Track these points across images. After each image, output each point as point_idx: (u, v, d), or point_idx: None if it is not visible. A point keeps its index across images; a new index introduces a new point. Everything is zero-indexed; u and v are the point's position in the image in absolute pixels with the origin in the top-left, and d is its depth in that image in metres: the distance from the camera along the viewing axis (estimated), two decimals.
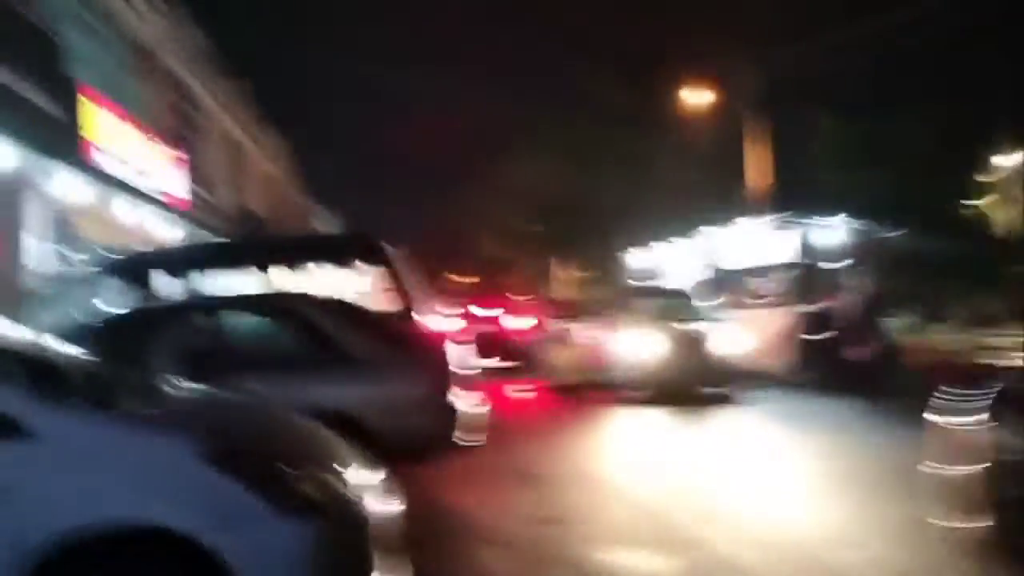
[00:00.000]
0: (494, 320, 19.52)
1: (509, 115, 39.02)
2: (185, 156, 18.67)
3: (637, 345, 13.19)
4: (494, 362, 18.29)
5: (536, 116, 36.91)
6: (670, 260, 20.77)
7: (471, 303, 21.75)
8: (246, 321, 6.80)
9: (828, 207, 16.10)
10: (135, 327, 6.58)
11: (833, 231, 15.24)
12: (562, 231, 39.43)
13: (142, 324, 6.64)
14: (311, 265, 8.87)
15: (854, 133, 23.04)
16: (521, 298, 21.69)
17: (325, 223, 53.72)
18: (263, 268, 8.53)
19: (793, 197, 19.20)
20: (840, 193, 20.88)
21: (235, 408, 4.38)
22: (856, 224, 15.24)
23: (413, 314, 8.44)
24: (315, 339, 6.23)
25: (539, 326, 19.10)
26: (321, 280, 8.99)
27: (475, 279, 61.87)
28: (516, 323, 19.14)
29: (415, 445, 6.25)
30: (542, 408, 13.97)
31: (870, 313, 13.26)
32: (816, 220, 15.20)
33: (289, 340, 6.36)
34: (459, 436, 6.41)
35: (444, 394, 6.26)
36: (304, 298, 7.21)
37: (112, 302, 8.01)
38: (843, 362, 13.40)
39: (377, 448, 5.90)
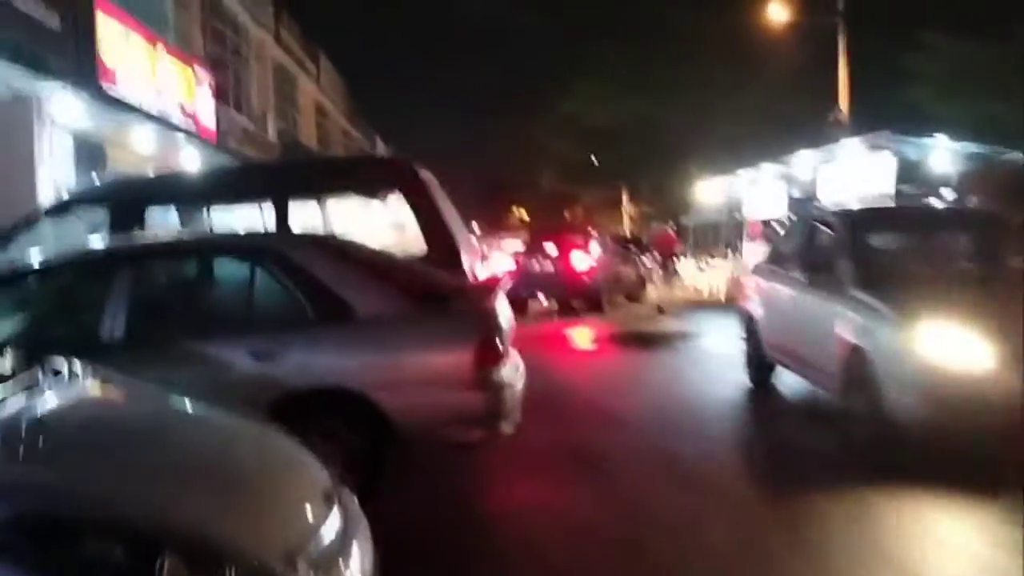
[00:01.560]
0: (558, 258, 17.89)
1: (575, 42, 36.91)
2: (215, 80, 17.22)
3: None
4: (552, 302, 18.01)
5: (602, 42, 34.80)
6: (751, 189, 18.91)
7: (534, 239, 20.29)
8: (210, 268, 5.30)
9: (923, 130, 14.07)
10: (49, 278, 5.06)
11: (938, 153, 13.14)
12: (623, 160, 37.58)
13: (60, 273, 5.07)
14: (333, 195, 7.36)
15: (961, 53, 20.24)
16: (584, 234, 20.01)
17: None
18: (274, 198, 6.99)
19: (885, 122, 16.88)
20: (944, 118, 18.51)
21: (112, 426, 2.70)
22: (963, 145, 13.07)
23: (455, 257, 6.93)
24: (305, 291, 4.73)
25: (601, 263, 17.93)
26: (346, 214, 7.52)
27: (531, 215, 60.74)
28: (580, 260, 17.62)
29: (445, 434, 4.82)
30: (602, 356, 12.45)
31: None
32: (914, 140, 13.04)
33: (270, 292, 4.84)
34: (507, 422, 4.91)
35: (489, 365, 4.75)
36: (292, 237, 5.71)
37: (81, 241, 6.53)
38: None
39: (391, 437, 4.64)
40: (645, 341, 13.04)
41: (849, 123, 25.65)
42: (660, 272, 19.22)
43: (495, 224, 67.98)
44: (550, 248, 18.22)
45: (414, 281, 5.30)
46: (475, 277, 7.33)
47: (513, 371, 5.20)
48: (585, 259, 17.72)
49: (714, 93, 33.06)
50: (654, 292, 21.19)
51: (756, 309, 8.22)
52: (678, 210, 35.66)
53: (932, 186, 14.08)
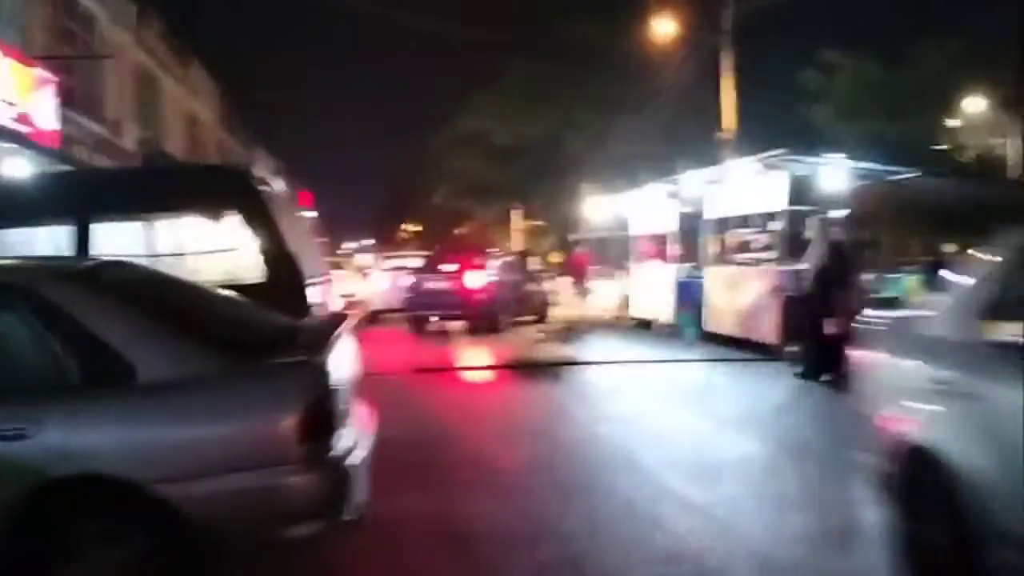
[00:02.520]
0: (451, 275, 17.37)
1: (470, 59, 36.29)
2: (62, 83, 15.48)
3: None
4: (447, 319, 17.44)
5: (497, 60, 34.38)
6: (642, 207, 18.34)
7: (432, 257, 19.97)
8: None
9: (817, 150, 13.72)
10: None
11: (832, 172, 12.69)
12: (521, 178, 37.08)
13: None
14: (152, 212, 6.09)
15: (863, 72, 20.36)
16: (479, 252, 19.61)
17: (264, 170, 50.46)
18: (73, 217, 5.70)
19: (775, 140, 16.44)
20: (839, 137, 18.45)
21: None
22: (858, 164, 12.67)
23: (298, 286, 5.81)
24: (68, 344, 3.49)
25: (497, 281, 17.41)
26: (170, 234, 6.28)
27: (424, 231, 59.70)
28: (473, 278, 17.15)
29: (265, 533, 3.64)
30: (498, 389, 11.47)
31: (846, 274, 10.06)
32: (811, 159, 12.54)
33: (19, 346, 3.59)
34: (349, 507, 3.80)
35: (319, 437, 3.65)
36: (54, 268, 4.25)
37: None
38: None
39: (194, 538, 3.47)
40: (537, 371, 12.09)
41: (733, 142, 25.74)
42: (574, 291, 18.85)
43: (388, 240, 66.88)
44: (447, 266, 17.68)
45: (230, 327, 4.17)
46: (325, 309, 6.27)
47: (356, 437, 4.13)
48: (482, 277, 17.22)
49: (610, 111, 32.97)
50: (563, 311, 20.79)
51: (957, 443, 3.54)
52: (567, 227, 35.34)
53: (824, 205, 13.73)
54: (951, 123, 23.46)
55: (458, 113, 37.70)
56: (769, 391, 9.82)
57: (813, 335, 10.01)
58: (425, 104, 47.45)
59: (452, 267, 17.59)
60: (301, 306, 5.64)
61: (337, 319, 4.80)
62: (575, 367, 12.09)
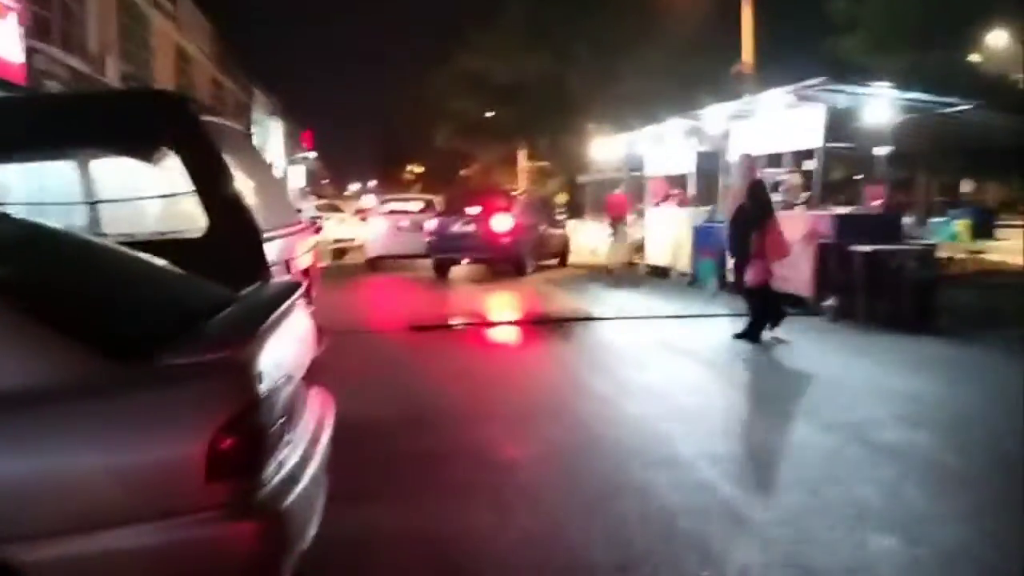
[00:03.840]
0: (477, 218, 16.99)
1: None
2: (32, 13, 14.18)
3: None
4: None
5: None
6: (657, 146, 17.02)
7: (453, 200, 19.42)
8: None
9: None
10: None
11: (875, 104, 11.30)
12: (524, 117, 35.61)
13: None
14: (71, 148, 4.86)
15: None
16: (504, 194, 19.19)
17: (263, 110, 48.94)
18: None
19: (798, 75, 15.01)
20: (859, 69, 16.95)
21: None
22: (903, 95, 11.25)
23: (250, 239, 4.64)
24: None
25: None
26: (97, 175, 5.06)
27: (427, 173, 58.17)
28: (500, 221, 16.85)
29: None
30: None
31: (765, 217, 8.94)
32: (853, 89, 11.11)
33: None
34: (288, 558, 2.70)
35: (246, 469, 2.52)
36: None
37: None
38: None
39: None
40: (550, 327, 10.95)
41: (753, 76, 24.20)
42: (611, 235, 18.18)
43: (393, 181, 65.39)
44: (472, 209, 17.26)
45: (124, 307, 2.99)
46: (291, 269, 5.10)
47: (306, 446, 3.00)
48: (509, 220, 16.76)
49: (617, 48, 31.38)
50: (602, 256, 19.74)
51: None
52: (575, 168, 34.00)
53: (866, 142, 12.43)
54: (976, 57, 22.02)
55: (457, 51, 36.16)
56: (816, 355, 8.65)
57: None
58: (424, 42, 45.42)
59: (476, 210, 17.19)
60: (254, 267, 4.46)
61: (287, 289, 3.60)
62: (592, 322, 10.93)
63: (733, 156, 14.46)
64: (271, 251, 4.81)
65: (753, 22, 24.60)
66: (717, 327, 10.73)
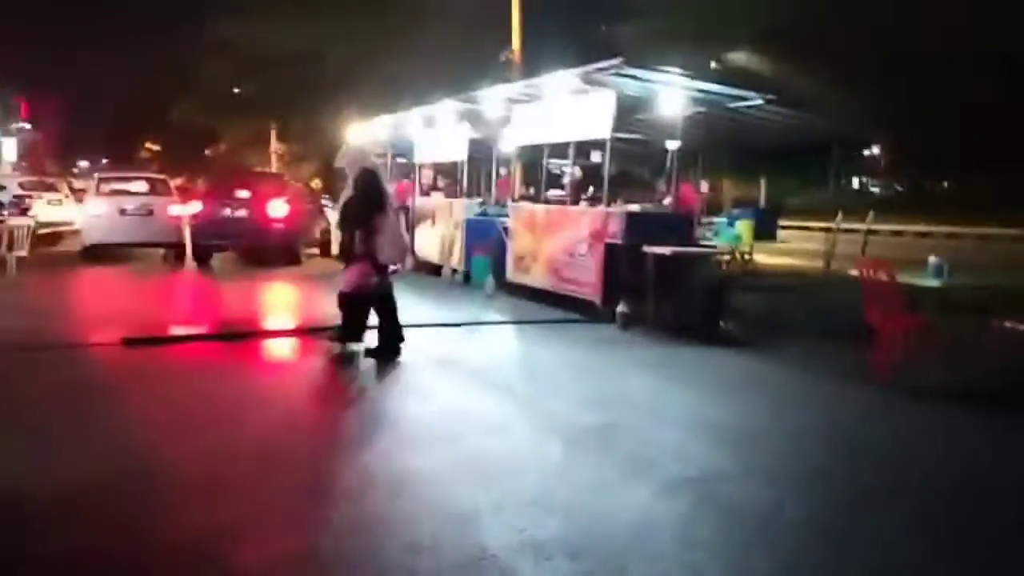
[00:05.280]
0: (248, 203, 15.96)
1: None
2: None
3: None
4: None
5: None
6: (432, 130, 15.52)
7: (220, 183, 17.62)
8: None
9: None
10: None
11: (670, 93, 10.41)
12: (276, 94, 32.92)
13: None
14: None
15: None
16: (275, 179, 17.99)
17: None
18: None
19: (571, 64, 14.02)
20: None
21: None
22: (703, 86, 10.41)
23: None
24: None
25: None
26: None
27: (166, 151, 53.36)
28: (273, 207, 15.93)
29: None
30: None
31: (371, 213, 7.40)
32: (650, 75, 10.11)
33: None
34: None
35: None
36: None
37: None
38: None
39: None
40: (296, 338, 9.13)
41: (522, 65, 23.42)
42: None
43: (127, 159, 59.27)
44: (242, 193, 16.10)
45: None
46: None
47: None
48: (282, 206, 15.81)
49: (384, 24, 29.62)
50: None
51: None
52: (331, 151, 31.87)
53: (656, 134, 11.58)
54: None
55: (206, 17, 32.76)
56: (613, 371, 7.53)
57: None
58: (168, 5, 40.97)
59: (246, 194, 16.19)
60: None
61: None
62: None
63: (509, 144, 13.31)
64: None
65: (521, 7, 23.82)
66: (502, 336, 9.41)
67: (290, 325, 9.70)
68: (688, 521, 4.14)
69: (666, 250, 9.30)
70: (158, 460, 4.82)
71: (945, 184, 39.17)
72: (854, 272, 7.68)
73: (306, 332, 8.95)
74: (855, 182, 43.56)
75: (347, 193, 7.53)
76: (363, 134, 18.78)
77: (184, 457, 4.90)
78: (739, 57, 23.79)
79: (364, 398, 6.40)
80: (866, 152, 38.61)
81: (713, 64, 21.51)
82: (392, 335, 7.65)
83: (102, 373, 7.10)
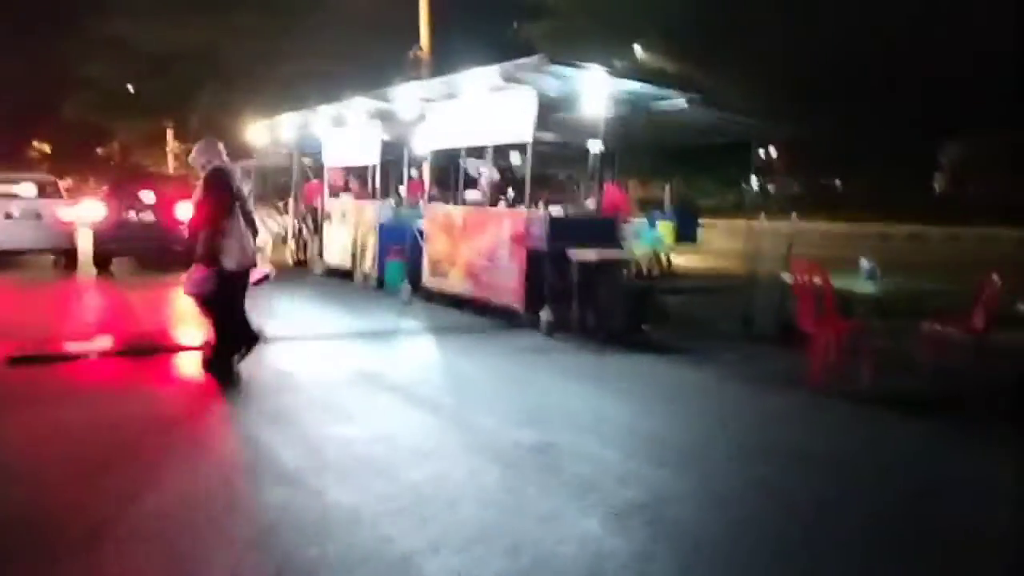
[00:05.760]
0: (156, 207, 15.17)
1: None
2: None
3: None
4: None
5: None
6: (340, 129, 14.92)
7: (121, 185, 16.66)
8: None
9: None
10: None
11: (593, 91, 10.12)
12: (172, 92, 31.54)
13: None
14: None
15: None
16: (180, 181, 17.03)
17: None
18: None
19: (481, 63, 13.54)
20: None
21: None
22: (626, 83, 10.15)
23: None
24: None
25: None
26: None
27: (55, 151, 50.76)
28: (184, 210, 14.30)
29: None
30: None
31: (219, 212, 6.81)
32: (571, 71, 9.76)
33: None
34: None
35: None
36: None
37: None
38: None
39: None
40: (196, 355, 8.50)
41: (431, 63, 22.98)
42: (304, 229, 16.17)
43: (16, 159, 56.03)
44: (147, 197, 15.21)
45: None
46: None
47: None
48: (191, 210, 14.42)
49: (284, 22, 28.66)
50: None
51: None
52: (230, 151, 30.66)
53: (579, 135, 11.30)
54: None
55: (93, 11, 31.11)
56: (542, 382, 7.20)
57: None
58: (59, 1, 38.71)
59: (151, 197, 15.32)
60: None
61: None
62: (273, 344, 8.52)
63: (424, 146, 12.83)
64: None
65: (429, 5, 23.34)
66: (422, 346, 8.97)
67: (195, 339, 9.05)
68: (644, 555, 3.82)
69: (591, 255, 9.03)
70: (38, 508, 4.24)
71: (838, 183, 40.39)
72: (786, 275, 7.54)
73: (184, 347, 8.29)
74: (752, 182, 44.31)
75: (196, 193, 6.94)
76: (266, 132, 18.04)
77: (72, 504, 4.33)
78: (646, 55, 23.96)
79: (280, 421, 5.88)
80: (761, 152, 39.22)
81: (617, 63, 21.56)
82: (229, 343, 7.02)
83: None
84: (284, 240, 18.45)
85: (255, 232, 7.13)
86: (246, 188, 7.00)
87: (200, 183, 6.91)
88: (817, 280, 6.95)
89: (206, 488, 4.58)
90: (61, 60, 36.29)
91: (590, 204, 11.38)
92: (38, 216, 15.30)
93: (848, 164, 30.56)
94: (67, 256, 15.51)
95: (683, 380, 7.51)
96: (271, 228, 20.13)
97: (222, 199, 6.78)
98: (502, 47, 20.76)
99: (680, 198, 14.25)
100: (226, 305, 6.88)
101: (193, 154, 7.13)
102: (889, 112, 24.23)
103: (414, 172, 15.27)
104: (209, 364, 7.01)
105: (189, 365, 7.74)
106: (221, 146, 7.13)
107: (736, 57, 19.77)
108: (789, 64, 19.35)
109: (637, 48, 21.37)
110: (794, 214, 10.12)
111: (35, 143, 62.67)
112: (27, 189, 16.24)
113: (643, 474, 4.93)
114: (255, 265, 7.08)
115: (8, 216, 15.17)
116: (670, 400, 6.76)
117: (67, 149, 48.15)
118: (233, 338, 6.98)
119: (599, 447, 5.40)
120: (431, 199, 12.56)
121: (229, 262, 6.75)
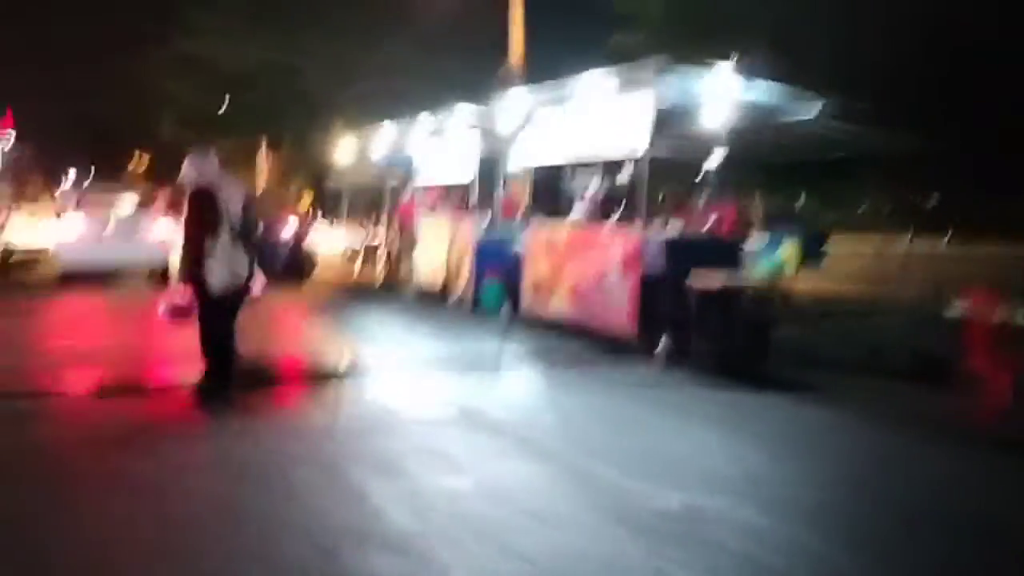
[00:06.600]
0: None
1: None
2: None
3: None
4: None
5: None
6: (431, 145, 14.38)
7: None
8: None
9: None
10: None
11: (719, 97, 9.27)
12: (257, 109, 31.79)
13: None
14: None
15: None
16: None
17: None
18: None
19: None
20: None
21: None
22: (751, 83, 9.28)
23: None
24: None
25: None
26: None
27: (154, 166, 52.18)
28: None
29: None
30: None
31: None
32: (698, 74, 8.94)
33: None
34: None
35: None
36: None
37: None
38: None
39: None
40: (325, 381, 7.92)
41: (523, 77, 22.31)
42: (400, 247, 16.10)
43: (117, 174, 57.72)
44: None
45: None
46: None
47: None
48: (291, 225, 16.59)
49: (358, 39, 28.73)
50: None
51: None
52: (321, 169, 30.67)
53: (701, 146, 10.46)
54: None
55: (173, 33, 31.63)
56: (666, 425, 6.37)
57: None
58: (137, 22, 39.43)
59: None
60: None
61: None
62: (364, 378, 7.85)
63: (521, 160, 12.13)
64: None
65: (523, 18, 22.73)
66: (527, 379, 8.21)
67: (303, 373, 8.44)
68: None
69: (715, 281, 8.16)
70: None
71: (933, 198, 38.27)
72: (955, 303, 6.56)
73: (287, 380, 7.71)
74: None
75: (184, 212, 6.45)
76: (355, 147, 17.66)
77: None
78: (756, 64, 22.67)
79: (385, 472, 5.20)
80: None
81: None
82: (214, 371, 6.52)
83: (60, 435, 5.88)
84: (365, 258, 18.07)
85: (254, 252, 6.60)
86: (236, 204, 6.46)
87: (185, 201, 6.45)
88: (996, 313, 5.97)
89: (284, 556, 3.90)
90: (151, 76, 36.97)
91: (708, 223, 10.48)
92: (136, 230, 15.18)
93: (956, 180, 28.69)
94: (163, 274, 15.34)
95: (821, 423, 6.63)
96: (351, 243, 19.91)
97: (202, 220, 6.28)
98: (595, 61, 20.01)
99: (806, 216, 13.15)
100: (208, 327, 6.41)
101: (183, 168, 6.61)
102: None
103: (509, 189, 14.60)
104: (201, 390, 6.56)
105: (287, 399, 7.16)
106: (214, 159, 6.62)
107: (859, 68, 18.57)
108: (910, 75, 18.10)
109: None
110: (948, 234, 9.04)
111: (137, 154, 64.65)
112: (127, 200, 16.13)
113: (810, 550, 4.09)
114: (247, 287, 6.55)
115: (104, 230, 15.06)
116: (818, 451, 5.89)
117: (167, 163, 49.30)
118: (220, 363, 6.48)
119: (746, 510, 4.58)
120: (531, 217, 11.84)
121: (214, 284, 6.24)
